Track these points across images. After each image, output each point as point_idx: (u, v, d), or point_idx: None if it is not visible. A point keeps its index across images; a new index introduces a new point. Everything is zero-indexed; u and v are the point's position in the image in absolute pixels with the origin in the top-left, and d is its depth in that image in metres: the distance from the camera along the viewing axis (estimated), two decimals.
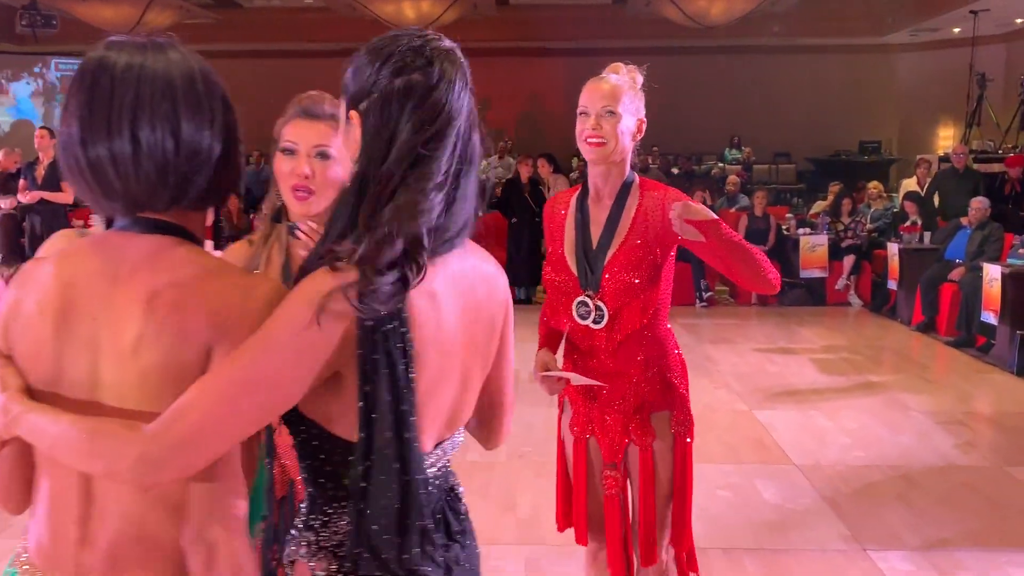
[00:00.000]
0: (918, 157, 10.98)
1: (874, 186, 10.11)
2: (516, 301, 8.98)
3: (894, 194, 11.08)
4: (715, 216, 2.11)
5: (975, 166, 9.85)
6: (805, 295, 9.15)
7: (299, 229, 1.65)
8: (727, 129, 15.94)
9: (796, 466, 4.45)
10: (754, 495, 4.08)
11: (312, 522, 1.20)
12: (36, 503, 1.19)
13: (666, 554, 2.37)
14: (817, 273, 9.09)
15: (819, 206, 10.52)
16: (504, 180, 9.78)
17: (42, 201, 7.81)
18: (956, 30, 13.67)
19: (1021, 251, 6.88)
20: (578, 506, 2.39)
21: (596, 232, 2.26)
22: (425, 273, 1.11)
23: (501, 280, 1.31)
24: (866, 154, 15.12)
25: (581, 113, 2.22)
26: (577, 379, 2.23)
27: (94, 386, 1.13)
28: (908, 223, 8.79)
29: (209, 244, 1.62)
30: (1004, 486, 4.24)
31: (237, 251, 1.76)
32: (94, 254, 1.17)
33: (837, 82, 15.78)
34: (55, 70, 14.89)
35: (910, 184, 10.17)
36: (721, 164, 15.49)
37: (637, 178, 2.30)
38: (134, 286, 1.13)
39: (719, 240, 2.09)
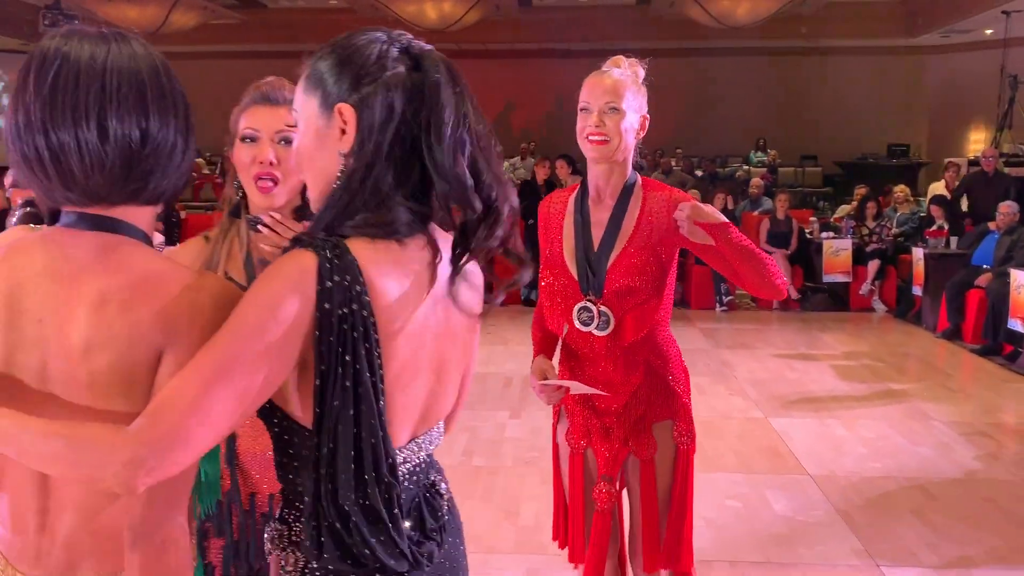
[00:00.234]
0: (946, 160, 10.77)
1: (900, 190, 9.91)
2: (528, 302, 8.86)
3: (921, 198, 10.86)
4: (724, 219, 2.02)
5: (1006, 170, 9.63)
6: (828, 300, 8.97)
7: (262, 223, 1.57)
8: (753, 131, 15.79)
9: (810, 476, 4.32)
10: (764, 506, 3.97)
11: (287, 516, 1.21)
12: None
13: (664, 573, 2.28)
14: (840, 278, 8.92)
15: (843, 210, 10.33)
16: (520, 181, 9.71)
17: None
18: (988, 31, 13.41)
19: None
20: (574, 523, 2.31)
21: (597, 234, 2.17)
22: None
23: (479, 275, 1.29)
24: (894, 157, 14.89)
25: (582, 109, 2.13)
26: (577, 387, 2.14)
27: (44, 382, 1.12)
28: (934, 227, 8.60)
29: (160, 239, 1.56)
30: None
31: (192, 248, 1.69)
32: (40, 252, 1.14)
33: (865, 84, 15.57)
34: None
35: (937, 188, 9.96)
36: (746, 167, 15.33)
37: (640, 178, 2.21)
38: (81, 287, 1.11)
39: (728, 244, 2.01)
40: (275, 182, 1.60)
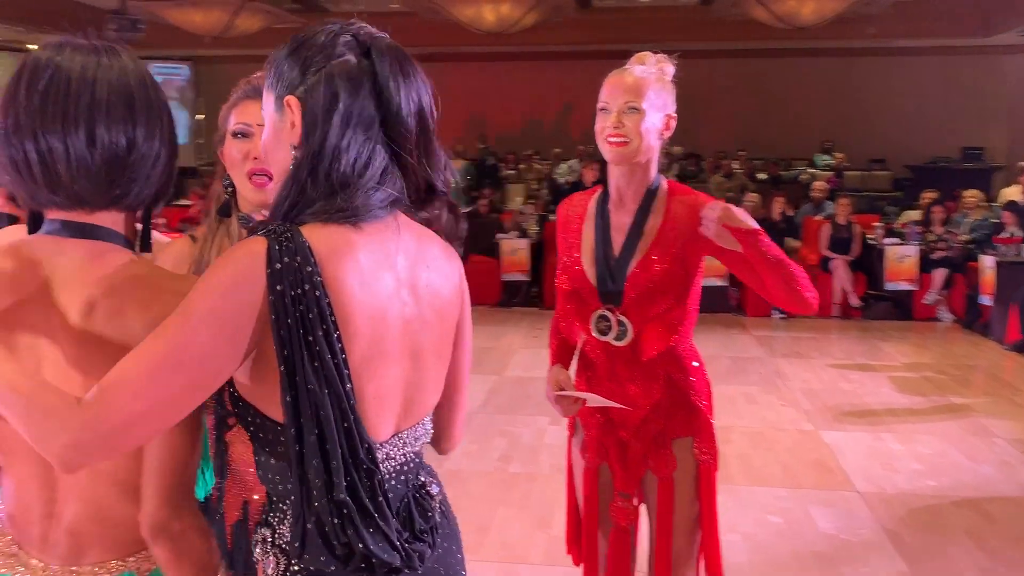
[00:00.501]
0: (1020, 164, 10.31)
1: (971, 195, 9.49)
2: None
3: (995, 204, 10.41)
4: (756, 224, 1.92)
5: None
6: (891, 309, 8.67)
7: (253, 221, 1.55)
8: (818, 134, 15.38)
9: (858, 493, 4.15)
10: (807, 523, 3.82)
11: (271, 519, 1.20)
12: (5, 475, 1.22)
13: None
14: (904, 285, 8.60)
15: (910, 215, 9.97)
16: (569, 183, 9.64)
17: None
18: None
19: None
20: (589, 543, 2.23)
21: (618, 239, 2.09)
22: None
23: (452, 264, 1.28)
24: (968, 161, 14.34)
25: (601, 109, 2.06)
26: (594, 400, 2.07)
27: None
28: (1005, 234, 8.23)
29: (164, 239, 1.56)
30: None
31: (179, 249, 1.68)
32: (25, 261, 1.16)
33: (938, 85, 15.04)
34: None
35: (1011, 193, 9.54)
36: (811, 170, 14.94)
37: (665, 182, 2.12)
38: (69, 296, 1.14)
39: (756, 251, 1.90)
40: (270, 177, 1.57)
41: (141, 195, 1.20)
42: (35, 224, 1.21)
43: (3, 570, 1.21)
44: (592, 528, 2.21)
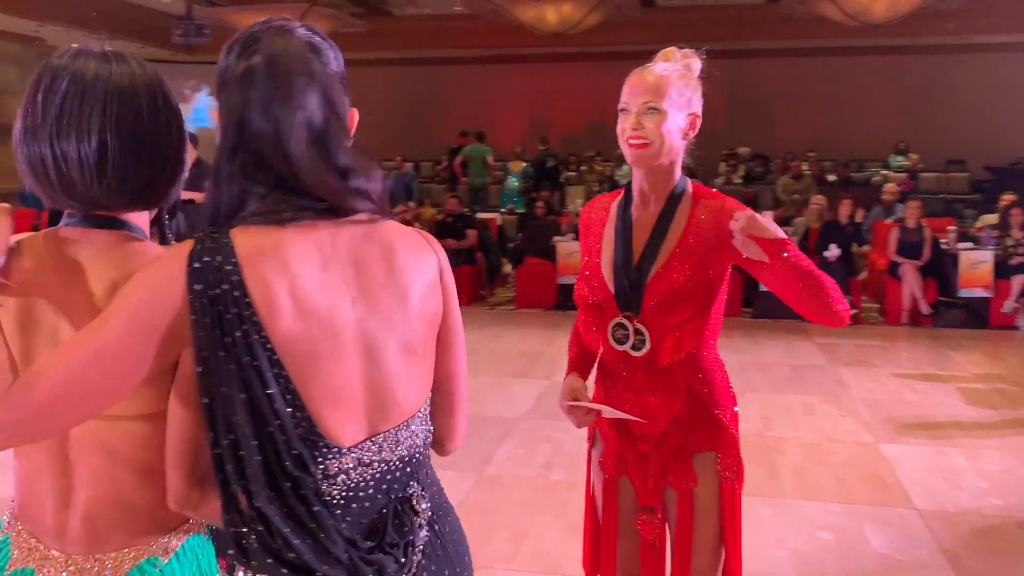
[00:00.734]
0: None
1: None
2: None
3: None
4: (782, 233, 1.82)
5: None
6: (964, 316, 8.29)
7: None
8: (893, 134, 14.89)
9: (917, 510, 3.95)
10: (860, 541, 3.64)
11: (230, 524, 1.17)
12: (17, 465, 1.25)
13: None
14: (979, 292, 8.23)
15: (987, 219, 9.54)
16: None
17: (187, 200, 8.25)
18: None
19: None
20: (607, 557, 2.14)
21: (639, 245, 2.00)
22: None
23: (425, 258, 1.24)
24: None
25: (621, 110, 1.97)
26: (609, 412, 1.98)
27: None
28: None
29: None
30: None
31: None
32: (49, 250, 1.22)
33: (1021, 83, 14.40)
34: None
35: None
36: (884, 171, 14.47)
37: (690, 184, 2.02)
38: (91, 281, 1.19)
39: (783, 262, 1.80)
40: None
41: (155, 196, 1.26)
42: (57, 218, 1.27)
43: (26, 564, 1.21)
44: (611, 542, 2.12)
